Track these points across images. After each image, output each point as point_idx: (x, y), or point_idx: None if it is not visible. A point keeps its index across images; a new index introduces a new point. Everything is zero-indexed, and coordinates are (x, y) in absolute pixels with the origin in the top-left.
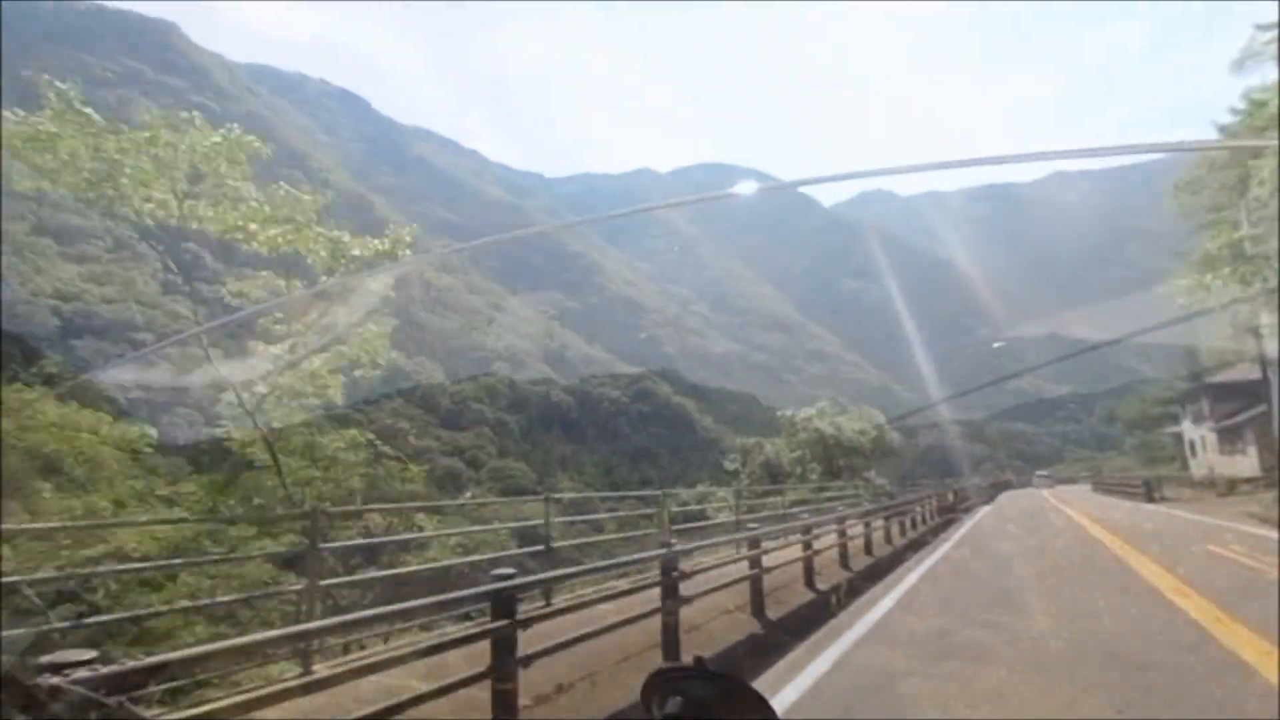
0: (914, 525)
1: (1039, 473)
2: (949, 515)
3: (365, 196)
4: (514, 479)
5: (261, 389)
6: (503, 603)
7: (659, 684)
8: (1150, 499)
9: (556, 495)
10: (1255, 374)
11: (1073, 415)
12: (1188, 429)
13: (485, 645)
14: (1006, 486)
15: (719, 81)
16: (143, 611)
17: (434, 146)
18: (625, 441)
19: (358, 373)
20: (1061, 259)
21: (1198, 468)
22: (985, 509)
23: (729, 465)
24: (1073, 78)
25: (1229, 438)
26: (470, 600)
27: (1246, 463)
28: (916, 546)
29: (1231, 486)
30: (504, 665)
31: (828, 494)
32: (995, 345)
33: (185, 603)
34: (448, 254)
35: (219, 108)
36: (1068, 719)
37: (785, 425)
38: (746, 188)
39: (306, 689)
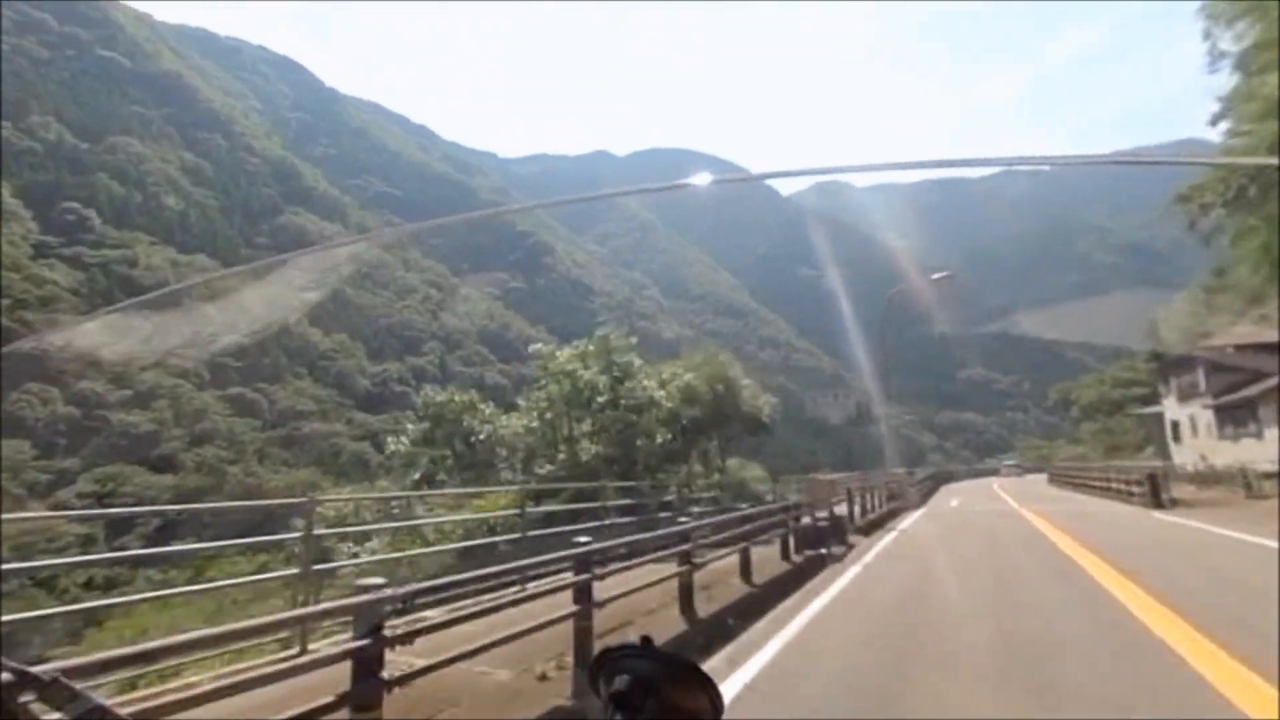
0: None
1: (1006, 461)
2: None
3: (294, 165)
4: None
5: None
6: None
7: (606, 662)
8: (1158, 503)
9: None
10: (1270, 333)
11: (1020, 405)
12: (1171, 408)
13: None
14: (949, 479)
15: (680, 68)
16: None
17: (380, 120)
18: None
19: None
20: (1009, 252)
21: (1183, 455)
22: (908, 521)
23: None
24: (1035, 78)
25: (1232, 417)
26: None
27: (1261, 449)
28: None
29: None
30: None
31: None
32: (937, 276)
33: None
34: (397, 233)
35: (130, 64)
36: None
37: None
38: (701, 178)
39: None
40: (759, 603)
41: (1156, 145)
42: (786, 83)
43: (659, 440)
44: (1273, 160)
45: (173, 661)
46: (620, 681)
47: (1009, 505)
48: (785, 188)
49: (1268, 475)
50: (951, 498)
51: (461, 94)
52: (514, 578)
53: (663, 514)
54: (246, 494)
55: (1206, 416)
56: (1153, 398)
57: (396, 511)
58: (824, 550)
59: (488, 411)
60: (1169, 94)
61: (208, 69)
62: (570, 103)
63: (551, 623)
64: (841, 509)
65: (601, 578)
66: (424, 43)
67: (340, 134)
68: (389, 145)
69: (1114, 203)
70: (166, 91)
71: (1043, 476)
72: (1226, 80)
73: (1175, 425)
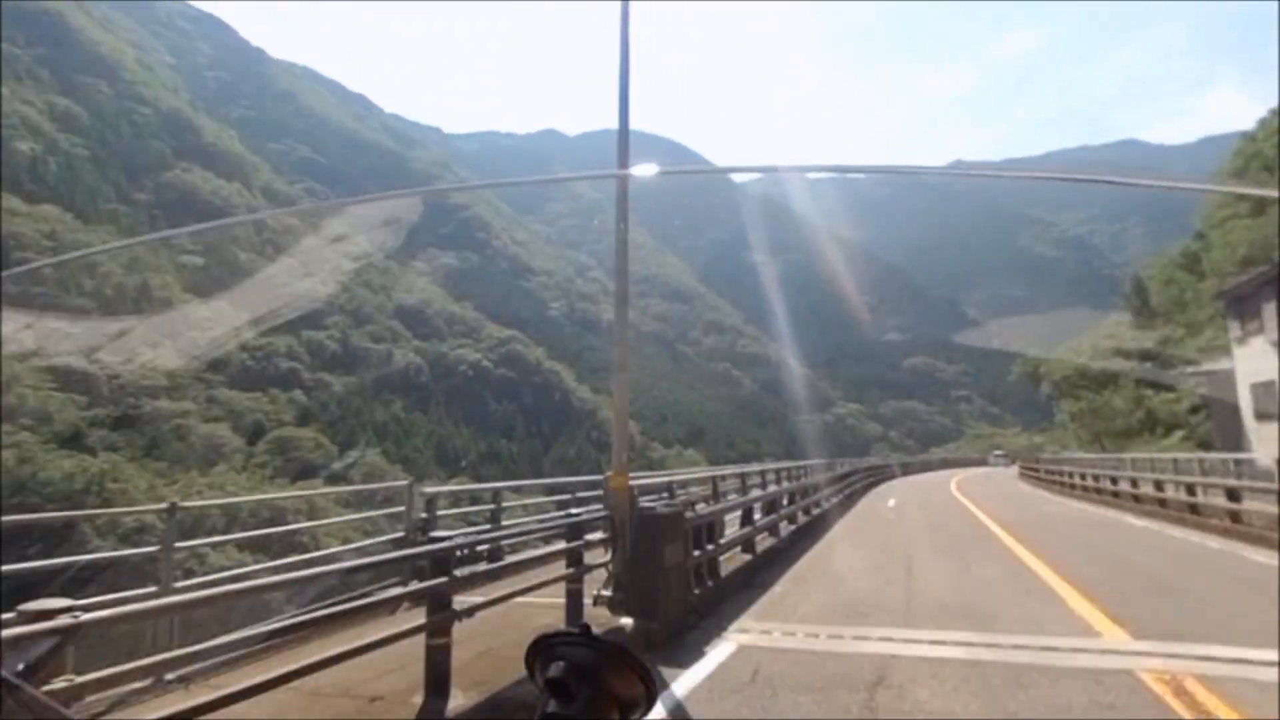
0: None
1: (995, 452)
2: None
3: (192, 120)
4: (297, 452)
5: None
6: None
7: (543, 649)
8: None
9: None
10: None
11: (965, 396)
12: (1247, 361)
13: None
14: (884, 476)
15: (636, 51)
16: None
17: (310, 84)
18: (479, 409)
19: None
20: (954, 242)
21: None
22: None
23: None
24: (978, 79)
25: None
26: None
27: None
28: None
29: None
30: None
31: None
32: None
33: None
34: (330, 205)
35: None
36: None
37: None
38: (645, 169)
39: None
40: None
41: (1099, 145)
42: (743, 70)
43: None
44: (1272, 192)
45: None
46: (556, 668)
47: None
48: (738, 174)
49: None
50: (874, 514)
51: (409, 68)
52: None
53: None
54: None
55: None
56: (1166, 363)
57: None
58: None
59: None
60: (1106, 97)
61: (112, 17)
62: (522, 82)
63: None
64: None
65: None
66: (373, 15)
67: (263, 96)
68: (317, 110)
69: (1055, 199)
70: (42, 29)
71: (994, 472)
72: None
73: (1262, 392)
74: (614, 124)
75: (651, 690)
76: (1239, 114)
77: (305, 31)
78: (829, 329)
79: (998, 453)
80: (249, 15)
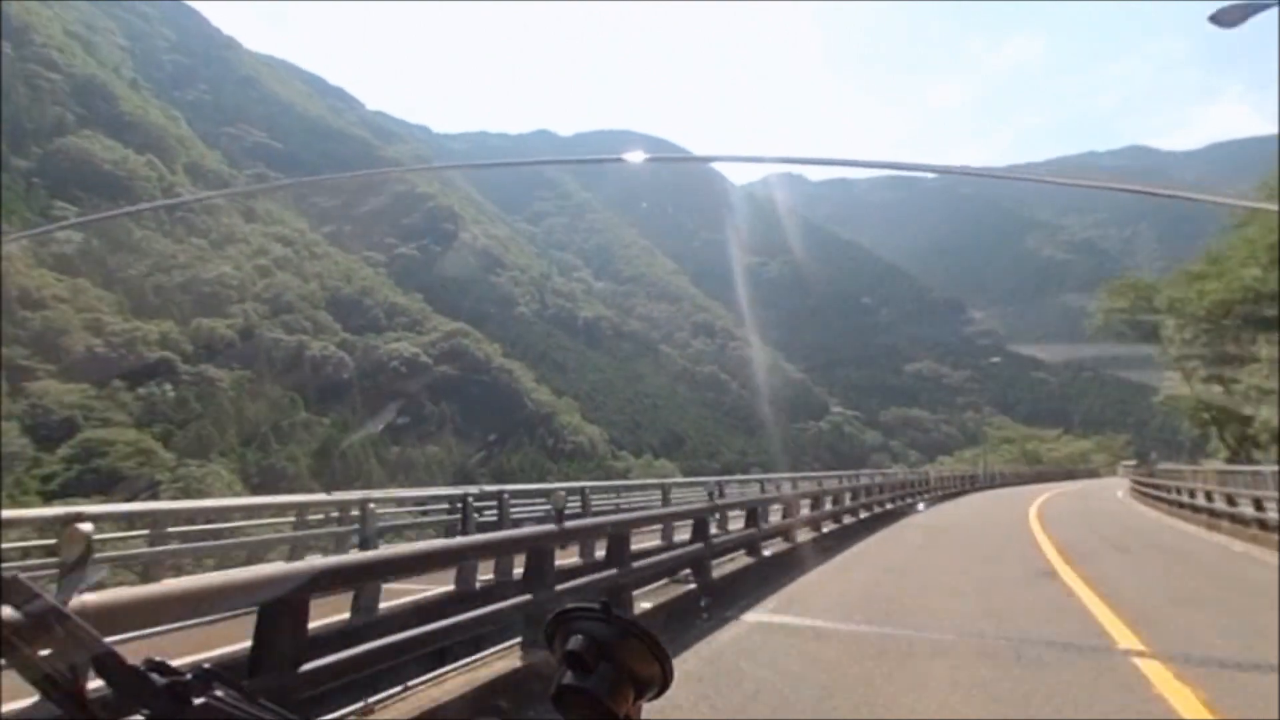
0: None
1: (1124, 462)
2: None
3: (112, 90)
4: (104, 457)
5: None
6: None
7: (563, 622)
8: None
9: None
10: None
11: (974, 403)
12: None
13: None
14: (901, 509)
15: (633, 51)
16: None
17: (283, 74)
18: (411, 410)
19: None
20: (960, 246)
21: None
22: None
23: None
24: (980, 87)
25: None
26: None
27: None
28: None
29: None
30: None
31: None
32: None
33: None
34: (284, 185)
35: None
36: None
37: None
38: (635, 156)
39: None
40: None
41: (1106, 151)
42: (744, 76)
43: None
44: (1271, 205)
45: None
46: (575, 641)
47: None
48: (739, 178)
49: None
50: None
51: (399, 69)
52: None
53: None
54: None
55: None
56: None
57: None
58: None
59: None
60: (1109, 105)
61: None
62: (516, 83)
63: None
64: None
65: None
66: (363, 14)
67: (223, 81)
68: (283, 97)
69: (1061, 204)
70: None
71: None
72: None
73: None
74: (610, 125)
75: (668, 671)
76: (1245, 123)
77: (295, 27)
78: (827, 332)
79: (1128, 462)
80: (234, 9)
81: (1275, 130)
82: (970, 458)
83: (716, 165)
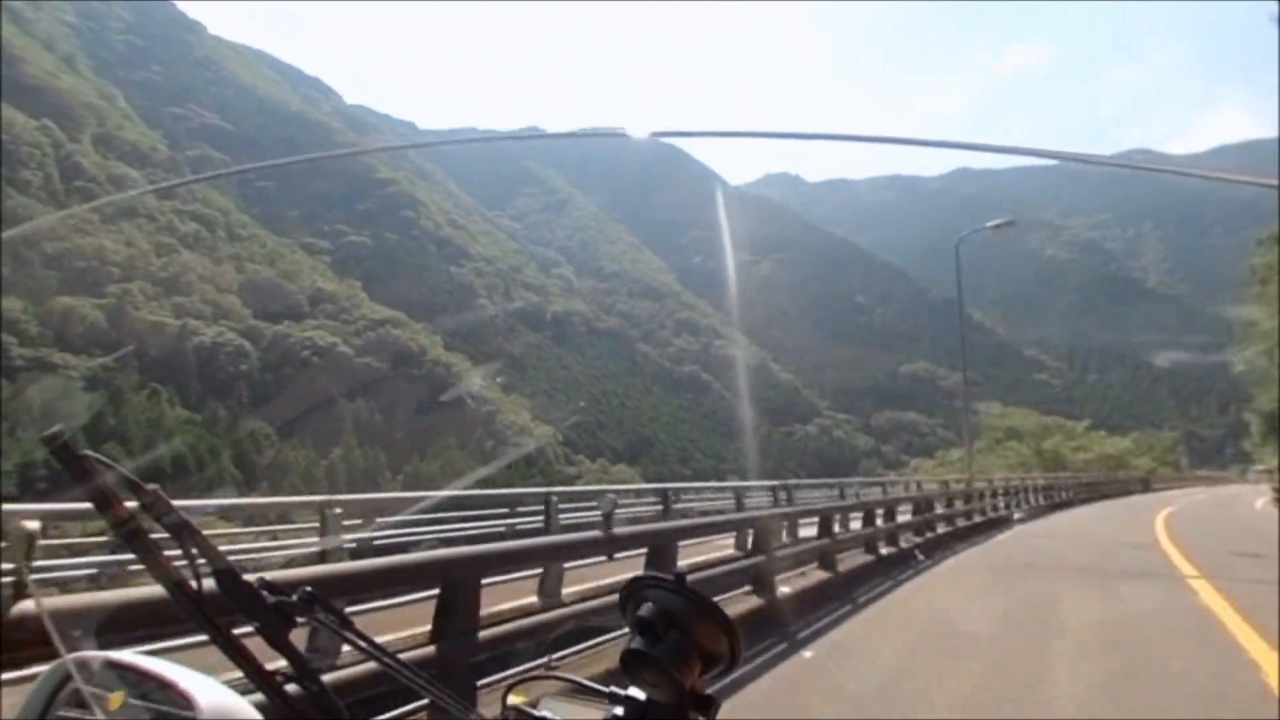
0: None
1: (1255, 468)
2: None
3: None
4: None
5: None
6: None
7: (636, 589)
8: None
9: None
10: None
11: (968, 405)
12: None
13: None
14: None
15: (629, 51)
16: None
17: (248, 59)
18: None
19: None
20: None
21: None
22: None
23: None
24: (979, 94)
25: None
26: None
27: None
28: None
29: None
30: None
31: None
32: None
33: None
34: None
35: None
36: None
37: None
38: (638, 131)
39: None
40: None
41: (1110, 155)
42: (744, 78)
43: None
44: (1273, 181)
45: None
46: (646, 609)
47: None
48: (734, 177)
49: None
50: None
51: (391, 67)
52: None
53: None
54: None
55: None
56: None
57: None
58: None
59: None
60: (1111, 112)
61: None
62: (505, 82)
63: None
64: None
65: None
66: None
67: (177, 62)
68: (244, 81)
69: (1062, 206)
70: None
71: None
72: None
73: None
74: (601, 122)
75: (736, 649)
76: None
77: (289, 25)
78: (818, 332)
79: (1259, 467)
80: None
81: (1276, 133)
82: (957, 460)
83: (711, 165)
